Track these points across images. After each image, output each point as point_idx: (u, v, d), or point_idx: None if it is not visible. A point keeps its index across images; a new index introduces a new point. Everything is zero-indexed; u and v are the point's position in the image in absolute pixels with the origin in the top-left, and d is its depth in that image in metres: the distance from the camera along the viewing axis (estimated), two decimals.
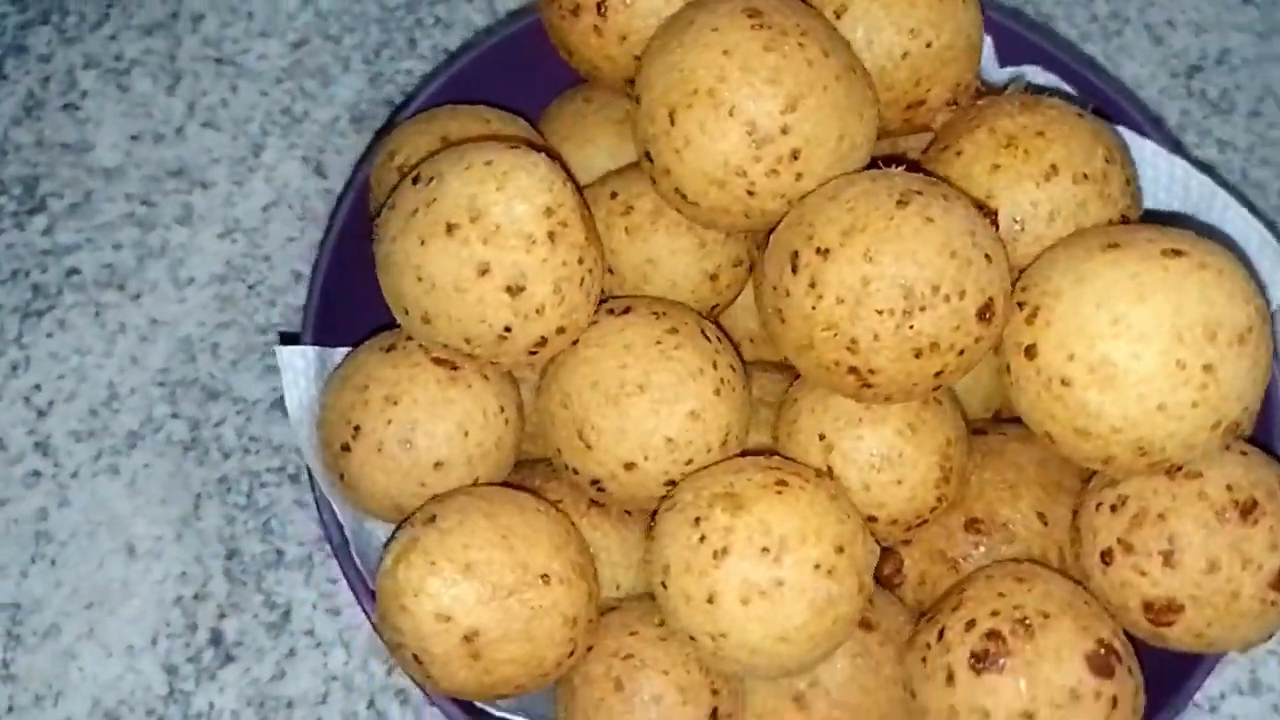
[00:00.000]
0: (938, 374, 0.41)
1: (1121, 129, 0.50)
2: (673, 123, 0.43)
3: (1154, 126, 0.53)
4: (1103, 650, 0.41)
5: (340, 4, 0.72)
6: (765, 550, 0.41)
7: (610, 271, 0.49)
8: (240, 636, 0.58)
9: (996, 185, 0.44)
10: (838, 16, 0.46)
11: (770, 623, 0.41)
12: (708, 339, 0.46)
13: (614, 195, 0.49)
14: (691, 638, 0.42)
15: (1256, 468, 0.42)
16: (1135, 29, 0.71)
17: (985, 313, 0.40)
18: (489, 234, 0.41)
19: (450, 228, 0.42)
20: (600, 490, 0.46)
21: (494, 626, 0.41)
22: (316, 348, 0.50)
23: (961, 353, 0.40)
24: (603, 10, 0.47)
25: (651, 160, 0.44)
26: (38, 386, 0.63)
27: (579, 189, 0.45)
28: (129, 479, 0.61)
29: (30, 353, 0.64)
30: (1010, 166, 0.44)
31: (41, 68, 0.70)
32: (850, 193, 0.41)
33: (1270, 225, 0.63)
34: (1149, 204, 0.51)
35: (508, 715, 0.45)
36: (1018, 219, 0.44)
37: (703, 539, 0.41)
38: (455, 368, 0.46)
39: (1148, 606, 0.41)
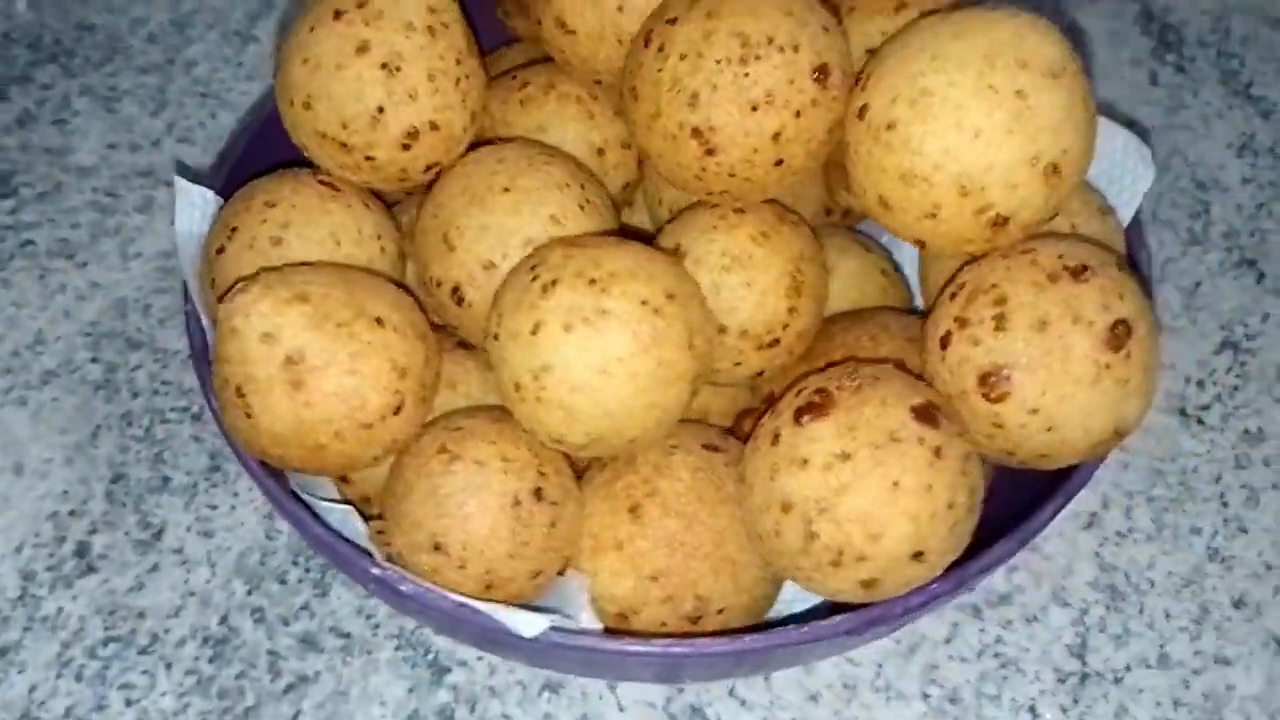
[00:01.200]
0: (776, 136, 0.42)
1: None
2: None
3: None
4: (931, 406, 0.40)
5: None
6: (593, 282, 0.41)
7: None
8: (106, 551, 0.57)
9: (852, 20, 0.47)
10: None
11: (591, 351, 0.40)
12: (579, 169, 0.48)
13: (513, 76, 0.53)
14: (516, 385, 0.41)
15: (1088, 245, 0.42)
16: None
17: (819, 73, 0.42)
18: (371, 18, 0.45)
19: (337, 13, 0.45)
20: (460, 300, 0.46)
21: (319, 352, 0.41)
22: (217, 196, 0.52)
23: (798, 114, 0.42)
24: None
25: None
26: None
27: (472, 30, 0.48)
28: (35, 410, 0.62)
29: None
30: (865, 3, 0.48)
31: (41, 93, 0.77)
32: None
33: (1182, 256, 0.66)
34: None
35: (309, 497, 0.43)
36: (869, 48, 0.46)
37: (535, 277, 0.41)
38: (337, 189, 0.48)
39: (982, 380, 0.40)
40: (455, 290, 0.46)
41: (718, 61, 0.42)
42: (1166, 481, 0.58)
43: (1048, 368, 0.40)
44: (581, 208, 0.46)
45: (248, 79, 0.78)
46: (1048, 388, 0.40)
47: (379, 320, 0.42)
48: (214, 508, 0.58)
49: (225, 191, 0.52)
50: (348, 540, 0.43)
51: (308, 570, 0.56)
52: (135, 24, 0.81)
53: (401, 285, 0.47)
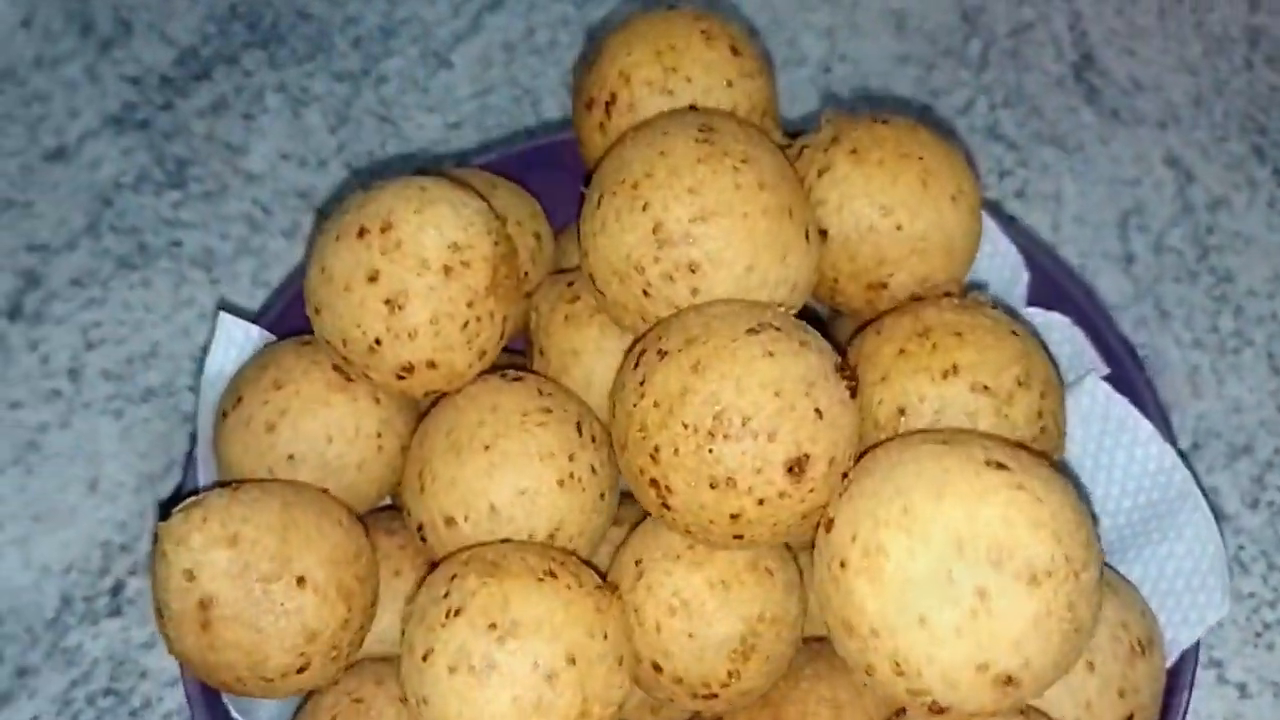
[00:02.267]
0: (734, 517, 0.38)
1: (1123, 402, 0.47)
2: (598, 206, 0.43)
3: (1164, 424, 0.49)
4: None
5: (506, 105, 0.77)
6: (493, 626, 0.38)
7: (541, 354, 0.49)
8: (136, 596, 0.60)
9: (895, 370, 0.42)
10: (819, 174, 0.46)
11: (468, 702, 0.38)
12: (579, 433, 0.45)
13: (570, 284, 0.50)
14: (404, 698, 0.40)
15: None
16: (1256, 354, 0.66)
17: (795, 466, 0.37)
18: (390, 247, 0.43)
19: (362, 231, 0.43)
20: (422, 539, 0.45)
21: (229, 603, 0.41)
22: (263, 331, 0.52)
23: (761, 502, 0.38)
24: (609, 110, 0.48)
25: (579, 241, 0.45)
26: (98, 323, 0.69)
27: (513, 256, 0.46)
28: (125, 426, 0.65)
29: (109, 295, 0.70)
30: (915, 355, 0.42)
31: (242, 80, 0.79)
32: (715, 311, 0.40)
33: None
34: (1127, 489, 0.47)
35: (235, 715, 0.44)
36: (903, 408, 0.41)
37: (447, 594, 0.40)
38: (350, 379, 0.47)
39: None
40: (420, 529, 0.45)
41: (684, 425, 0.38)
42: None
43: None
44: (561, 484, 0.43)
45: (429, 110, 0.77)
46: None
47: (301, 580, 0.41)
48: None
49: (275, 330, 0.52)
50: None
51: None
52: (346, 23, 0.81)
53: (362, 518, 0.46)
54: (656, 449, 0.38)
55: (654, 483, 0.39)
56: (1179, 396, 0.65)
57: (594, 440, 0.45)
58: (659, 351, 0.39)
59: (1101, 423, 0.48)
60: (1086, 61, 0.79)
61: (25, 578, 0.61)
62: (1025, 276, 0.53)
